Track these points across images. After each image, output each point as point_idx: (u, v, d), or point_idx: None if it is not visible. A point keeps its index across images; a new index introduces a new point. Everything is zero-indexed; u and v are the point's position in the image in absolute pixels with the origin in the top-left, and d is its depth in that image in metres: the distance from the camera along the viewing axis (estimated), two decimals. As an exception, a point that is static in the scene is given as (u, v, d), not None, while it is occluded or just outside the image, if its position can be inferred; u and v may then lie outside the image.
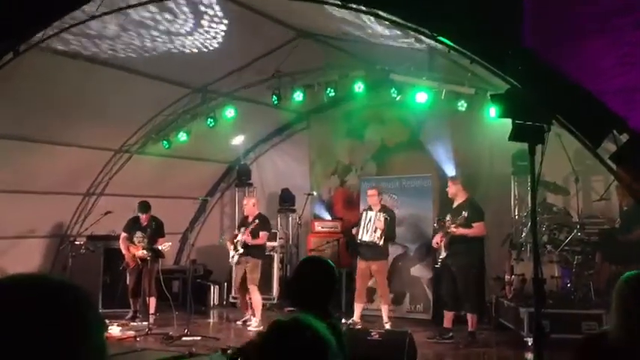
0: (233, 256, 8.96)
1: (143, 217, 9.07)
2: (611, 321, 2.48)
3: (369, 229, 8.34)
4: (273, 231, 10.93)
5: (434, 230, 8.24)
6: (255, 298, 8.77)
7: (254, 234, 8.78)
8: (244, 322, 8.91)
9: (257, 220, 8.87)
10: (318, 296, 3.09)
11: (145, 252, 8.82)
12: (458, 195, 7.88)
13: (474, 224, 7.56)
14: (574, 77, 4.69)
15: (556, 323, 6.81)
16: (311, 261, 3.40)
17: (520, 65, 4.40)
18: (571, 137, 6.68)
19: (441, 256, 7.71)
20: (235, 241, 8.90)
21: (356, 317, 8.33)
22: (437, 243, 7.80)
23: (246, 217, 9.17)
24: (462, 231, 7.49)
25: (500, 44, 4.56)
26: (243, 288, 8.87)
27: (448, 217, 7.76)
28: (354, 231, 8.59)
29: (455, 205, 7.87)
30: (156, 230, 9.00)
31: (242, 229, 8.90)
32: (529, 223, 8.16)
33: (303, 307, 3.09)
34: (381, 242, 8.24)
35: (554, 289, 7.51)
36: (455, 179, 8.11)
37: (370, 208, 8.54)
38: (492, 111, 7.52)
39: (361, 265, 8.42)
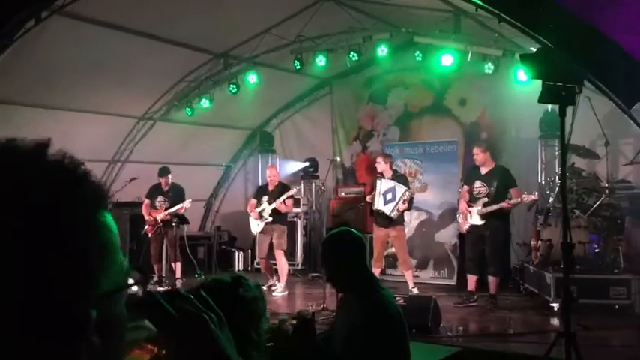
0: (258, 225, 8.91)
1: (163, 181, 9.16)
2: None
3: (384, 200, 8.21)
4: (296, 197, 10.95)
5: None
6: (282, 263, 8.80)
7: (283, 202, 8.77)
8: (269, 287, 8.97)
9: (290, 191, 8.83)
10: (350, 270, 3.05)
11: (166, 214, 8.92)
12: (486, 162, 7.72)
13: (511, 190, 7.47)
14: (607, 36, 4.53)
15: (584, 288, 6.73)
16: (333, 239, 3.28)
17: (551, 24, 4.25)
18: (600, 100, 6.54)
19: (472, 223, 7.61)
20: (260, 209, 8.86)
21: None
22: (467, 210, 7.68)
23: (266, 185, 9.11)
24: (513, 202, 7.38)
25: (531, 2, 4.41)
26: (270, 255, 8.91)
27: (479, 184, 7.64)
28: (368, 199, 8.47)
29: (484, 172, 7.69)
30: (177, 195, 9.09)
31: (265, 198, 8.86)
32: (557, 188, 8.04)
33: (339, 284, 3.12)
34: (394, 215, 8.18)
35: (582, 254, 7.41)
36: (481, 145, 7.93)
37: (383, 176, 8.38)
38: (520, 73, 7.34)
39: (379, 232, 8.28)
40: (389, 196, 8.22)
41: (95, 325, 0.64)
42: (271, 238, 8.81)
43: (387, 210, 8.11)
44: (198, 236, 10.99)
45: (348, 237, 3.13)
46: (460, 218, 7.95)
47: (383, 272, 8.94)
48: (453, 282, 9.18)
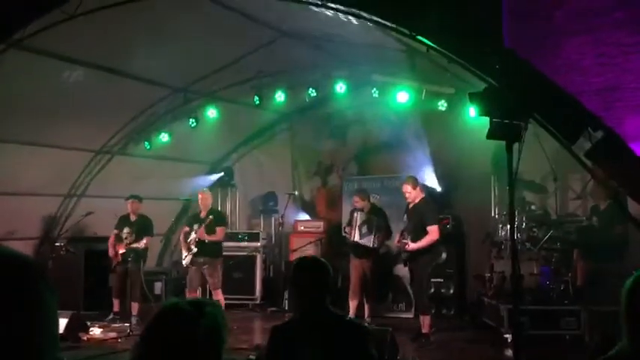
0: (185, 257, 8.33)
1: (132, 208, 8.95)
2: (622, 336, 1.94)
3: (359, 233, 8.28)
4: (255, 231, 10.94)
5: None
6: (220, 302, 8.48)
7: (209, 230, 8.28)
8: None
9: (211, 216, 8.34)
10: (317, 294, 3.12)
11: (125, 251, 8.72)
12: (416, 197, 7.72)
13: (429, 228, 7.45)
14: (551, 76, 4.78)
15: (535, 320, 6.90)
16: (303, 264, 3.32)
17: (497, 64, 4.47)
18: (550, 137, 6.81)
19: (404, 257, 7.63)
20: (188, 240, 8.35)
21: (351, 314, 8.24)
22: (401, 242, 7.63)
23: (199, 212, 8.67)
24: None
25: (479, 43, 4.63)
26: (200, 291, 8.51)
27: (405, 219, 7.69)
28: (347, 230, 8.47)
29: (411, 205, 7.68)
30: (142, 227, 8.90)
31: (196, 226, 8.33)
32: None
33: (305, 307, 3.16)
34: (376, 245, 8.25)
35: (534, 285, 7.60)
36: (410, 182, 7.78)
37: (361, 209, 8.45)
38: (472, 110, 7.57)
39: (355, 262, 8.31)
40: (364, 229, 8.29)
41: None
42: (202, 274, 8.33)
43: (367, 242, 8.16)
44: (156, 271, 10.83)
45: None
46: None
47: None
48: (410, 315, 9.25)
